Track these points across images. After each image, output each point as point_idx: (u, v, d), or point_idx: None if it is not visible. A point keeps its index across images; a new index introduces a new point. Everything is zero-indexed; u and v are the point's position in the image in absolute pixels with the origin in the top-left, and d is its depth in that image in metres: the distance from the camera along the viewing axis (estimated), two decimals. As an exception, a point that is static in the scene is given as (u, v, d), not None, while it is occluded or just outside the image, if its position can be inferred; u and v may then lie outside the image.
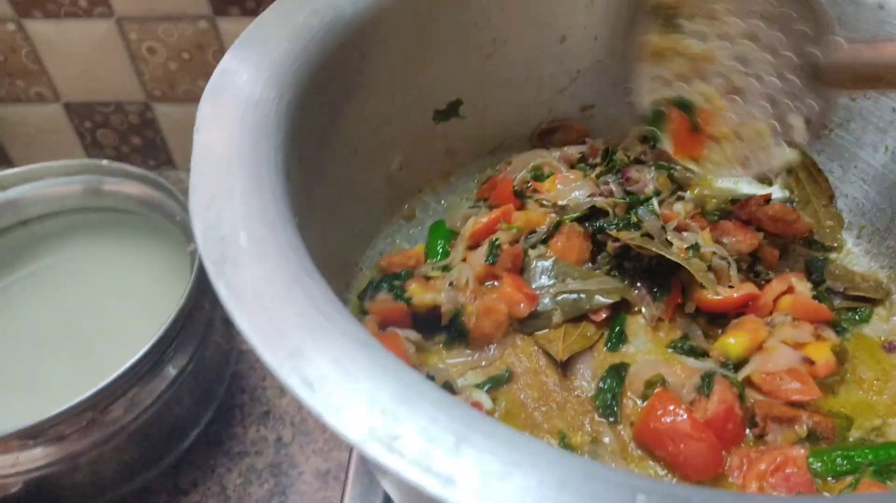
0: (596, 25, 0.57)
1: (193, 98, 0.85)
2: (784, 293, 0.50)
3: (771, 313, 0.50)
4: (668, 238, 0.52)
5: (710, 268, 0.50)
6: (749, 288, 0.50)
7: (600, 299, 0.51)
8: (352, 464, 0.61)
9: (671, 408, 0.44)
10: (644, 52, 0.50)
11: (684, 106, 0.50)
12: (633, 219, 0.53)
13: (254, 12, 0.76)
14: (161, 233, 0.67)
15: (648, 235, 0.52)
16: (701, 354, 0.50)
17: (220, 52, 0.80)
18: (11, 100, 0.87)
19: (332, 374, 0.27)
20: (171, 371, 0.58)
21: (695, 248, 0.51)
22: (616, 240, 0.52)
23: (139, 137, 0.90)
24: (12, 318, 0.66)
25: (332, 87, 0.45)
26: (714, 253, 0.50)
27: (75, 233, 0.70)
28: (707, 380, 0.46)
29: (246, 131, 0.37)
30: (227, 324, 0.66)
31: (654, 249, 0.50)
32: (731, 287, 0.50)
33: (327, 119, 0.46)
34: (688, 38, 0.49)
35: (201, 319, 0.61)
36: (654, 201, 0.54)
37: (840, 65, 0.43)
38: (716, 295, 0.49)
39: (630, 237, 0.51)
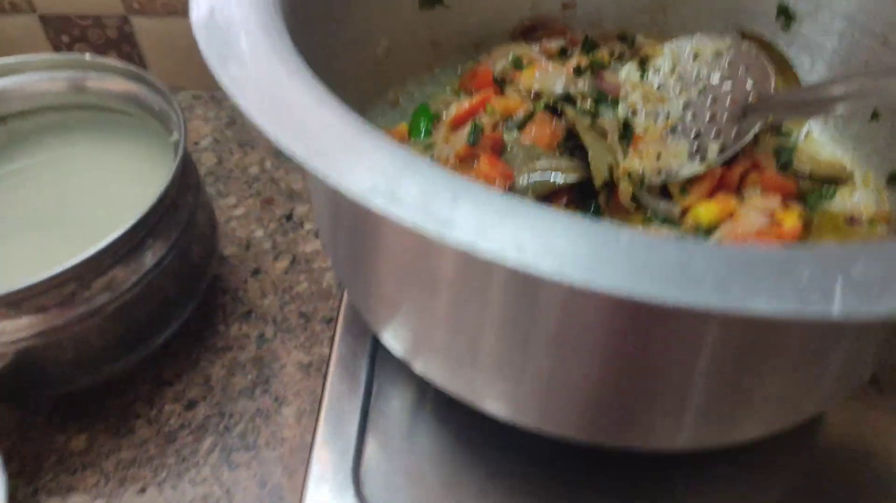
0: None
1: (173, 11, 0.86)
2: (751, 169, 0.53)
3: (739, 188, 0.53)
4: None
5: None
6: (714, 172, 0.53)
7: (562, 177, 0.53)
8: (333, 356, 0.63)
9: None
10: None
11: (626, 129, 0.56)
12: (593, 110, 0.56)
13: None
14: (144, 129, 0.68)
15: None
16: (675, 223, 0.52)
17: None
18: (-14, 9, 0.87)
19: (335, 146, 0.29)
20: (151, 257, 0.59)
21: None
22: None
23: (116, 52, 0.91)
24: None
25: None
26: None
27: (56, 131, 0.71)
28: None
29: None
30: (210, 226, 0.68)
31: (570, 117, 0.53)
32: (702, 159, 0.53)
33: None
34: (652, 81, 0.58)
35: (183, 211, 0.62)
36: (621, 107, 0.57)
37: (766, 105, 0.53)
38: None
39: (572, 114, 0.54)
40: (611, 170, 0.51)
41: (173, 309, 0.64)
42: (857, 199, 0.55)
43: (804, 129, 0.59)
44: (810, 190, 0.55)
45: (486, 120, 0.55)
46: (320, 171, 0.28)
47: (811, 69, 0.59)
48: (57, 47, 0.90)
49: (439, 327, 0.37)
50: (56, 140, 0.71)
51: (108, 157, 0.71)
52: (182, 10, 0.86)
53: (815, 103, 0.48)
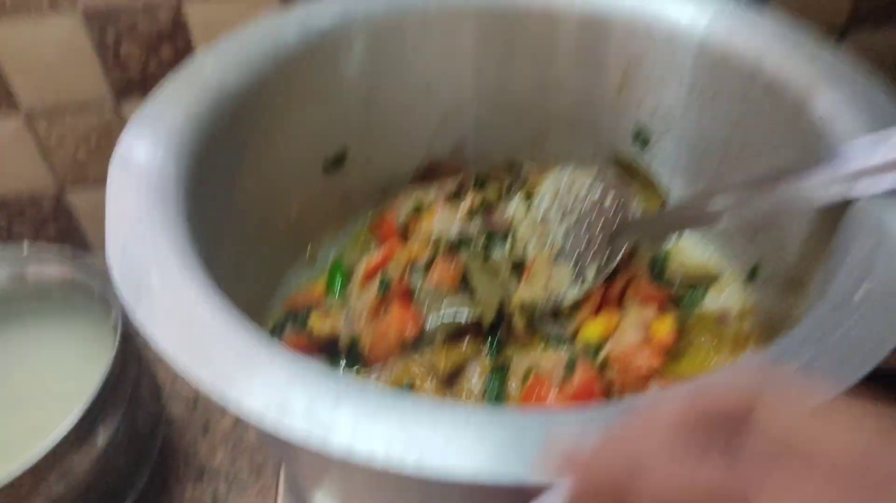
0: (452, 73, 0.68)
1: (104, 182, 0.92)
2: (629, 282, 0.61)
3: (620, 302, 0.60)
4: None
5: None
6: (597, 295, 0.61)
7: (465, 315, 0.60)
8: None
9: (542, 389, 0.53)
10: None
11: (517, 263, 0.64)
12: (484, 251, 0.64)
13: (154, 96, 0.84)
14: (85, 311, 0.73)
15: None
16: (567, 343, 0.59)
17: (126, 135, 0.87)
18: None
19: (236, 367, 0.36)
20: (104, 434, 0.62)
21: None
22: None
23: (55, 227, 0.96)
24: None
25: (225, 151, 0.53)
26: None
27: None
28: (571, 363, 0.56)
29: (152, 196, 0.45)
30: (155, 392, 0.72)
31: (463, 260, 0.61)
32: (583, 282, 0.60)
33: (224, 180, 0.54)
34: (537, 211, 0.66)
35: (128, 383, 0.66)
36: (509, 242, 0.64)
37: (632, 227, 0.61)
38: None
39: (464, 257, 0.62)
40: (502, 304, 0.59)
41: (128, 481, 0.67)
42: (725, 297, 0.62)
43: (672, 238, 0.67)
44: (684, 294, 0.63)
45: (392, 271, 0.61)
46: (221, 397, 0.34)
47: (671, 181, 0.68)
48: (-5, 227, 0.95)
49: (351, 495, 0.43)
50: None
51: (50, 341, 0.74)
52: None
53: (670, 223, 0.56)
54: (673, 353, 0.58)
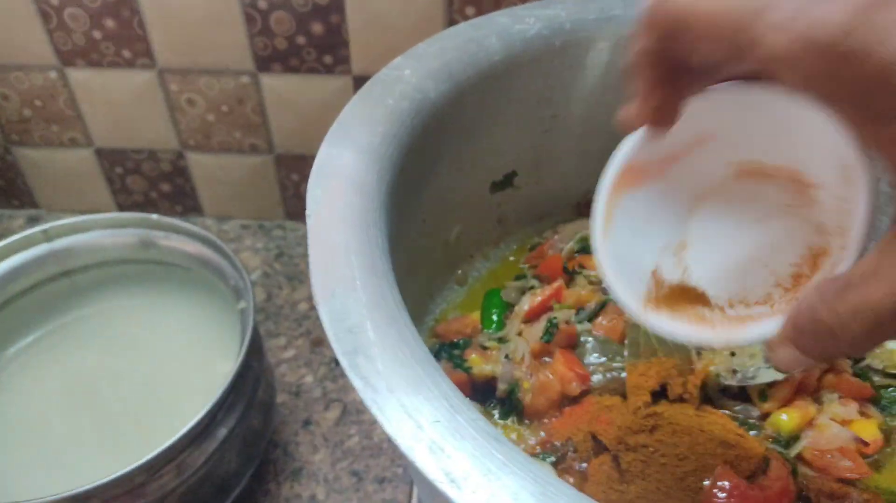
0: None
1: (227, 148, 0.87)
2: (826, 372, 0.53)
3: (817, 391, 0.52)
4: None
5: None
6: (794, 377, 0.52)
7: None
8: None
9: (733, 485, 0.46)
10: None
11: None
12: None
13: (296, 69, 0.78)
14: (209, 288, 0.68)
15: None
16: (753, 428, 0.52)
17: (259, 105, 0.82)
18: (45, 144, 0.88)
19: (472, 470, 0.29)
20: (222, 432, 0.58)
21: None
22: None
23: (169, 184, 0.91)
24: (50, 368, 0.66)
25: (417, 167, 0.47)
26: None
27: (120, 284, 0.71)
28: (764, 457, 0.48)
29: (356, 215, 0.38)
30: (271, 388, 0.67)
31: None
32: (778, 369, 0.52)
33: (410, 196, 0.47)
34: None
35: (250, 379, 0.62)
36: None
37: None
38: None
39: None
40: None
41: (236, 476, 0.63)
42: (931, 399, 0.54)
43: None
44: (883, 387, 0.54)
45: (559, 316, 0.54)
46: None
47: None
48: (110, 179, 0.91)
49: None
50: (120, 291, 0.72)
51: (172, 310, 0.71)
52: (236, 148, 0.87)
53: None
54: (873, 462, 0.50)
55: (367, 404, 0.31)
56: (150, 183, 0.92)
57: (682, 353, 0.53)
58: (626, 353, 0.52)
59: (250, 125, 0.84)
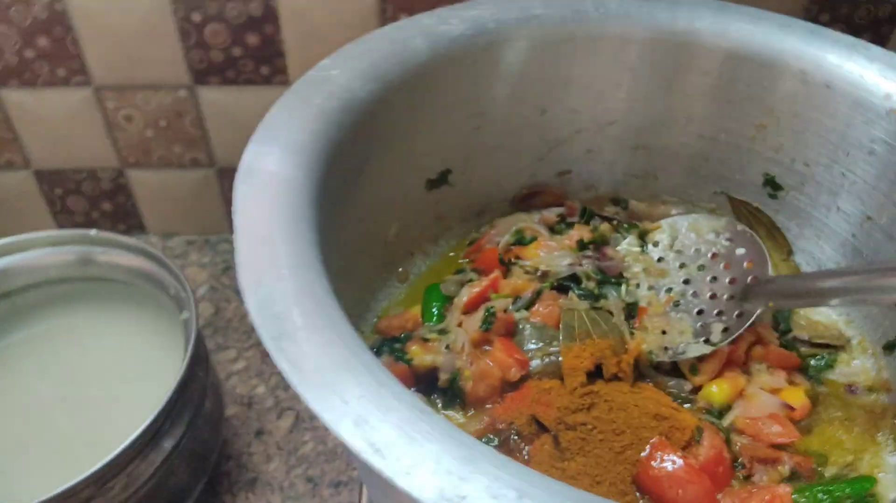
0: (572, 100, 0.62)
1: (168, 164, 0.86)
2: (754, 343, 0.55)
3: (745, 363, 0.54)
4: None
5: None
6: (723, 350, 0.54)
7: None
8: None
9: (669, 455, 0.47)
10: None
11: (632, 307, 0.58)
12: (596, 290, 0.58)
13: (234, 81, 0.79)
14: (151, 301, 0.68)
15: (609, 312, 0.56)
16: (686, 402, 0.53)
17: (198, 119, 0.82)
18: (-22, 168, 0.86)
19: (398, 439, 0.30)
20: (169, 443, 0.58)
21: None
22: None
23: (110, 203, 0.91)
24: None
25: (346, 165, 0.47)
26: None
27: (61, 303, 0.70)
28: (697, 427, 0.50)
29: (283, 209, 0.39)
30: (217, 390, 0.67)
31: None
32: (706, 341, 0.54)
33: (341, 195, 0.48)
34: (651, 254, 0.60)
35: (196, 389, 0.61)
36: (623, 288, 0.58)
37: (766, 290, 0.54)
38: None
39: (584, 306, 0.56)
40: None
41: (187, 488, 0.62)
42: (855, 365, 0.57)
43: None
44: (809, 356, 0.57)
45: (497, 305, 0.55)
46: (386, 474, 0.28)
47: (799, 234, 0.62)
48: (51, 201, 0.90)
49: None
50: (62, 311, 0.70)
51: (115, 325, 0.70)
52: (177, 163, 0.86)
53: (811, 294, 0.50)
54: (803, 426, 0.52)
55: (293, 384, 0.31)
56: (91, 203, 0.91)
57: (616, 334, 0.54)
58: (560, 338, 0.54)
59: (190, 139, 0.84)
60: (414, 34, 0.52)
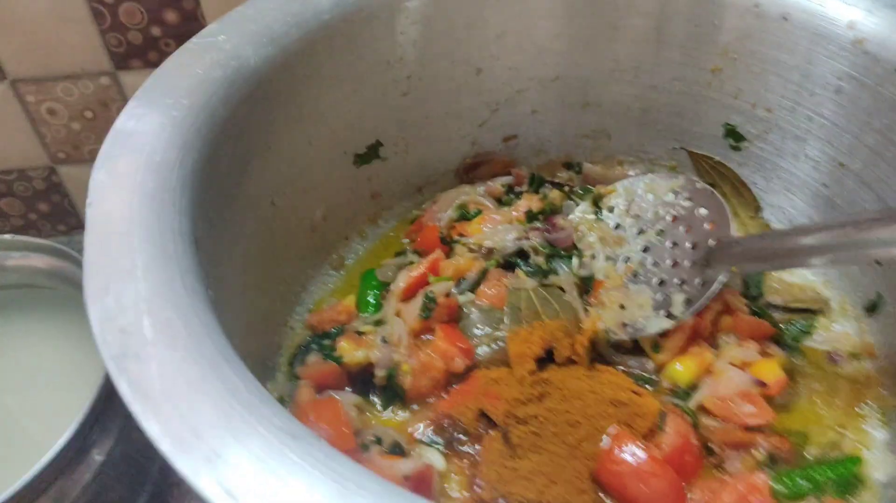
0: (509, 56, 0.55)
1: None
2: (722, 313, 0.48)
3: (712, 336, 0.48)
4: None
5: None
6: (686, 323, 0.48)
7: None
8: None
9: (629, 446, 0.41)
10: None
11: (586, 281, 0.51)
12: (545, 266, 0.51)
13: (157, 64, 0.71)
14: (71, 305, 0.62)
15: (560, 288, 0.50)
16: (649, 382, 0.47)
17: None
18: None
19: (257, 478, 0.23)
20: (97, 457, 0.52)
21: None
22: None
23: (46, 203, 0.84)
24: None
25: (241, 141, 0.41)
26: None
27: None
28: (661, 412, 0.44)
29: (147, 199, 0.33)
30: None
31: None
32: (668, 315, 0.48)
33: (238, 174, 0.42)
34: (607, 220, 0.53)
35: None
36: (575, 261, 0.52)
37: (730, 253, 0.47)
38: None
39: (532, 285, 0.50)
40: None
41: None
42: (835, 330, 0.50)
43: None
44: (785, 323, 0.50)
45: (436, 289, 0.49)
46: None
47: (767, 188, 0.55)
48: (-18, 203, 0.83)
49: None
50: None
51: (36, 333, 0.64)
52: (110, 156, 0.80)
53: (783, 255, 0.43)
54: (779, 404, 0.46)
55: (135, 414, 0.25)
56: (27, 204, 0.84)
57: (569, 313, 0.48)
58: (505, 321, 0.47)
59: (120, 130, 0.77)
60: (317, -10, 0.46)
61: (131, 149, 0.35)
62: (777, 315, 0.51)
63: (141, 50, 0.71)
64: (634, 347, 0.48)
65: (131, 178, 0.33)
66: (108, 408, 0.53)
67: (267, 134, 0.44)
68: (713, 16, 0.49)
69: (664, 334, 0.47)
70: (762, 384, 0.44)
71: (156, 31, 0.70)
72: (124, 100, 0.74)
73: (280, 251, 0.49)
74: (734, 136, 0.54)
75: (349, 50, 0.48)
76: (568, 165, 0.61)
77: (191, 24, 0.69)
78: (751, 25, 0.49)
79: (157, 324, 0.28)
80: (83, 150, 0.79)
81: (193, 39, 0.42)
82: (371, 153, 0.54)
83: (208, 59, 0.40)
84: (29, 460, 0.48)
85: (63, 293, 0.62)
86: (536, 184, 0.58)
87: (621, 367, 0.48)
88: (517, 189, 0.58)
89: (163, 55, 0.71)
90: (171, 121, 0.37)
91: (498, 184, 0.58)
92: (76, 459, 0.51)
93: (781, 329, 0.49)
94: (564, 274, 0.50)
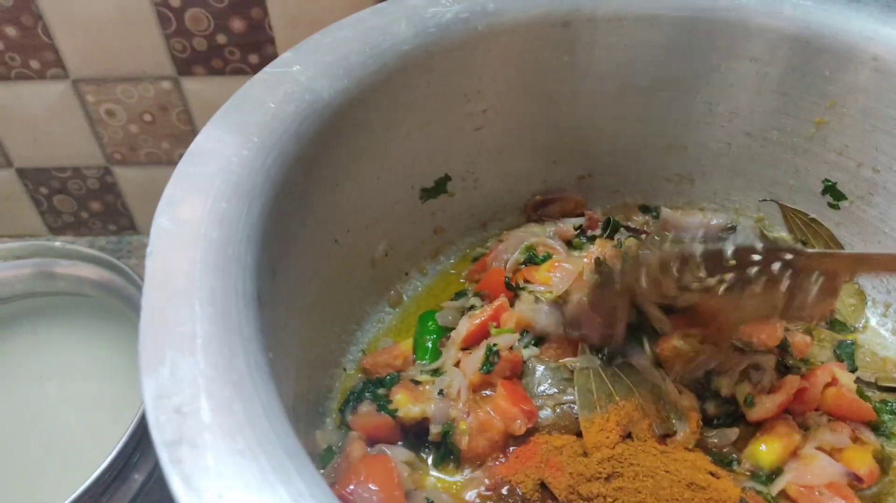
0: (589, 91, 0.51)
1: (156, 161, 0.78)
2: (828, 385, 0.44)
3: (818, 408, 0.44)
4: None
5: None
6: (792, 383, 0.43)
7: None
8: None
9: (704, 536, 0.38)
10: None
11: None
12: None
13: (220, 71, 0.70)
14: (117, 316, 0.60)
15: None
16: (728, 463, 0.43)
17: (185, 112, 0.73)
18: (-42, 167, 0.79)
19: None
20: (137, 479, 0.50)
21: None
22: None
23: (99, 202, 0.83)
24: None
25: (309, 179, 0.38)
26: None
27: (24, 320, 0.62)
28: (741, 500, 0.40)
29: (210, 253, 0.30)
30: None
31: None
32: (769, 392, 0.43)
33: (304, 214, 0.39)
34: None
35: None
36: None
37: None
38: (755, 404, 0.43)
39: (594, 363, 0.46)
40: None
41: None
42: (935, 415, 0.46)
43: (861, 320, 0.50)
44: (880, 403, 0.46)
45: (500, 342, 0.46)
46: None
47: (864, 250, 0.51)
48: (36, 200, 0.82)
49: None
50: (24, 328, 0.63)
51: (81, 343, 0.63)
52: (166, 160, 0.78)
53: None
54: (867, 494, 0.42)
55: (188, 518, 0.22)
56: (79, 202, 0.83)
57: (644, 388, 0.44)
58: (577, 408, 0.44)
59: (178, 134, 0.76)
60: (397, 19, 0.42)
61: (196, 192, 0.32)
62: (870, 393, 0.47)
63: (205, 57, 0.69)
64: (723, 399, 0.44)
65: (195, 228, 0.31)
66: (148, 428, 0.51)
67: (335, 170, 0.41)
68: (825, 66, 0.45)
69: (759, 388, 0.43)
70: (856, 478, 0.40)
71: (221, 38, 0.68)
72: (184, 105, 0.73)
73: (339, 290, 0.46)
74: (834, 194, 0.50)
75: (426, 82, 0.45)
76: (644, 209, 0.57)
77: (257, 33, 0.67)
78: (866, 80, 0.44)
79: (216, 407, 0.25)
80: (139, 152, 0.78)
81: (267, 69, 0.39)
82: (439, 187, 0.51)
83: (281, 92, 0.37)
84: (69, 474, 0.47)
85: (108, 304, 0.60)
86: (611, 228, 0.54)
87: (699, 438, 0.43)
88: (589, 233, 0.54)
89: (227, 63, 0.69)
90: (239, 160, 0.34)
91: (569, 225, 0.54)
92: (117, 480, 0.49)
93: (880, 413, 0.45)
94: (636, 354, 0.46)
